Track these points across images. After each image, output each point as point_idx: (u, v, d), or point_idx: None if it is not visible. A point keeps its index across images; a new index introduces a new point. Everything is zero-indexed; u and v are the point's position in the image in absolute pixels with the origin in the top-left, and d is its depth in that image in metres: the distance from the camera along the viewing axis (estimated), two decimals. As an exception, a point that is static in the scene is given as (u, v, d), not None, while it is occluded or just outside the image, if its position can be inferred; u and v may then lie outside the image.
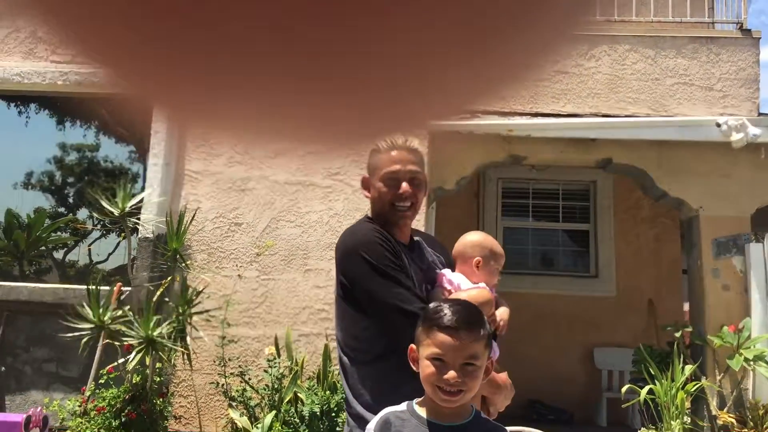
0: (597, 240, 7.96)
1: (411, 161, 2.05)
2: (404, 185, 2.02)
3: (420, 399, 1.67)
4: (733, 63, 6.25)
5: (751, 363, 5.43)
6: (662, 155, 6.06)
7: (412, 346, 1.67)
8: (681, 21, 6.40)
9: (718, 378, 5.69)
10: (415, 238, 2.18)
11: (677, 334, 5.95)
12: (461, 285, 2.03)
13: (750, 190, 5.94)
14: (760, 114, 6.13)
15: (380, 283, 1.91)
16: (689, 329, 6.06)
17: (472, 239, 2.15)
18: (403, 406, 1.69)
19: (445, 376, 1.56)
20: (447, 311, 1.61)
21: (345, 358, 2.05)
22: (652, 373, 5.43)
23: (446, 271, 2.10)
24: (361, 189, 2.17)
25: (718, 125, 5.75)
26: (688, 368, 5.43)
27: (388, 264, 1.92)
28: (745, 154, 5.90)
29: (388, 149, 2.03)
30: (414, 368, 1.66)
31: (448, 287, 2.03)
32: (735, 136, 5.71)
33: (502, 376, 2.01)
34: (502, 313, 2.04)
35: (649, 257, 7.85)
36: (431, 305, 1.73)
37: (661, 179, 6.05)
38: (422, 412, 1.64)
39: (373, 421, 1.68)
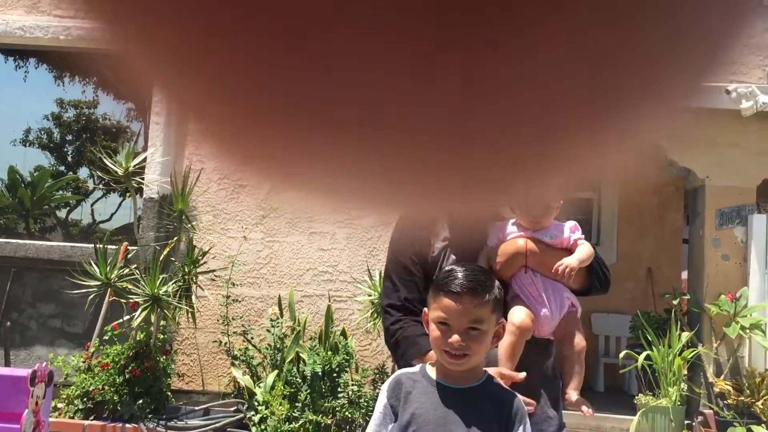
0: (600, 207, 7.98)
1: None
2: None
3: (433, 361, 1.71)
4: (742, 30, 6.19)
5: (748, 331, 5.49)
6: (671, 123, 6.03)
7: (425, 309, 1.70)
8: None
9: (715, 345, 5.76)
10: None
11: (675, 302, 6.01)
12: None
13: (758, 161, 5.92)
14: (769, 82, 6.09)
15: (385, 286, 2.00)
16: (687, 297, 6.12)
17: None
18: (417, 368, 1.73)
19: (450, 340, 1.60)
20: (455, 275, 1.64)
21: None
22: (650, 339, 5.49)
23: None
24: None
25: (728, 92, 5.71)
26: (685, 335, 5.50)
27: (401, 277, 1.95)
28: (755, 123, 5.86)
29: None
30: (427, 331, 1.69)
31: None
32: (744, 104, 5.67)
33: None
34: (572, 260, 1.88)
35: (650, 225, 7.87)
36: (445, 269, 1.74)
37: (668, 148, 6.04)
38: (433, 373, 1.68)
39: (387, 382, 1.72)
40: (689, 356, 5.40)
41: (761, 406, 5.21)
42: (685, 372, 5.47)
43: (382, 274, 1.98)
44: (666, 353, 5.34)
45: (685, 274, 7.12)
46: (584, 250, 1.91)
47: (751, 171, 5.93)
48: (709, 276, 5.89)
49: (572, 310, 1.92)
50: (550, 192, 1.77)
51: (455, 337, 1.59)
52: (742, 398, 5.31)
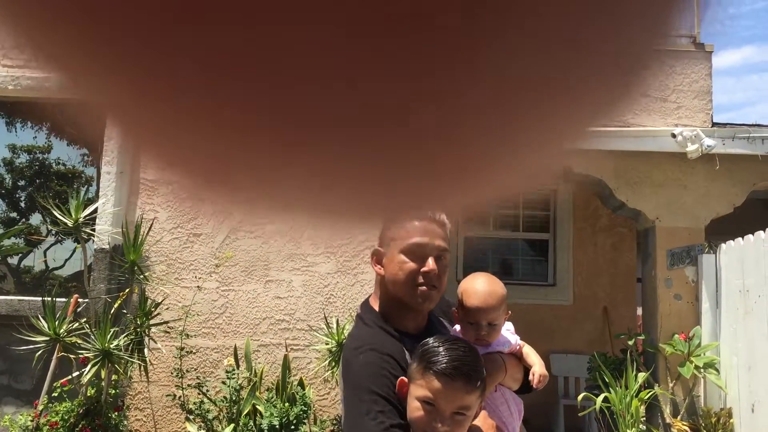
0: (556, 249, 8.07)
1: (440, 235, 1.68)
2: (430, 262, 1.65)
3: None
4: (686, 75, 6.40)
5: (702, 370, 5.57)
6: (620, 165, 6.17)
7: (403, 378, 1.59)
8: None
9: (671, 385, 5.81)
10: (433, 318, 1.82)
11: (630, 342, 6.08)
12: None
13: (705, 201, 6.08)
14: (713, 125, 6.28)
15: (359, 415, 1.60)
16: (642, 337, 6.19)
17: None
18: None
19: (434, 425, 1.51)
20: (449, 356, 1.53)
21: None
22: (607, 380, 5.52)
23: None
24: (372, 263, 1.76)
25: (674, 136, 5.87)
26: (641, 376, 5.55)
27: (381, 410, 1.57)
28: (701, 165, 6.03)
29: (412, 217, 1.66)
30: (401, 400, 1.58)
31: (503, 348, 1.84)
32: (690, 147, 5.83)
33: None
34: (540, 367, 1.83)
35: (605, 266, 7.99)
36: (431, 341, 1.59)
37: (619, 189, 6.16)
38: None
39: None
40: (646, 397, 5.45)
41: (717, 446, 5.26)
42: (643, 413, 5.51)
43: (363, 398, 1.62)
44: (623, 395, 5.38)
45: (640, 311, 7.22)
46: (533, 351, 1.89)
47: (699, 211, 6.08)
48: (662, 316, 5.98)
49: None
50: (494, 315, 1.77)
51: (440, 425, 1.51)
52: (699, 438, 5.35)
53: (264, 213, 0.29)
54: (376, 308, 1.76)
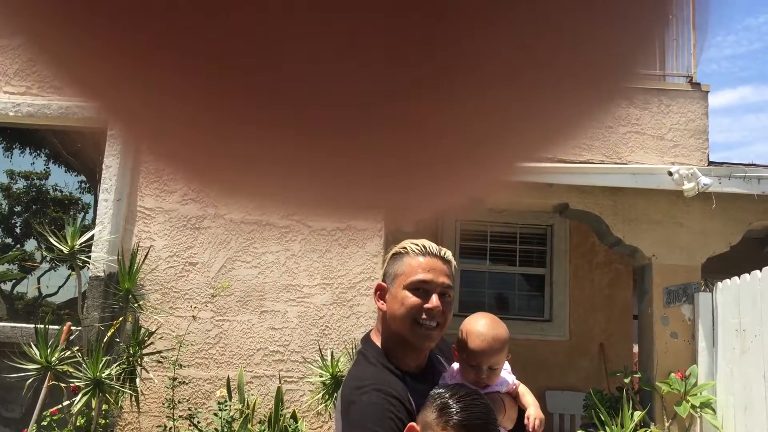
0: (552, 284, 8.06)
1: (444, 273, 1.69)
2: (434, 299, 1.65)
3: None
4: (683, 114, 6.45)
5: (698, 410, 5.53)
6: (617, 202, 6.20)
7: (414, 425, 1.55)
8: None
9: (667, 425, 5.76)
10: (432, 356, 1.82)
11: (626, 380, 6.04)
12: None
13: (702, 240, 6.09)
14: (710, 163, 6.32)
15: None
16: (638, 375, 6.15)
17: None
18: None
19: None
20: (468, 410, 1.51)
21: None
22: (603, 419, 5.47)
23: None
24: (375, 298, 1.76)
25: (670, 174, 5.90)
26: (637, 414, 5.49)
27: None
28: (698, 203, 6.06)
29: (417, 254, 1.69)
30: None
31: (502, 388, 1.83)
32: (686, 185, 5.85)
33: None
34: (536, 410, 1.82)
35: (601, 302, 7.97)
36: (447, 392, 1.57)
37: (616, 226, 6.17)
38: None
39: None
40: (642, 436, 5.39)
41: (714, 487, 5.19)
42: (639, 452, 5.45)
43: None
44: (619, 433, 5.32)
45: (636, 348, 7.18)
46: (528, 391, 1.88)
47: (695, 249, 6.09)
48: (658, 354, 5.95)
49: None
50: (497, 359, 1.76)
51: None
52: (695, 479, 5.29)
53: (239, 199, 0.29)
54: (378, 344, 1.74)
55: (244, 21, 0.20)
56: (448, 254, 1.72)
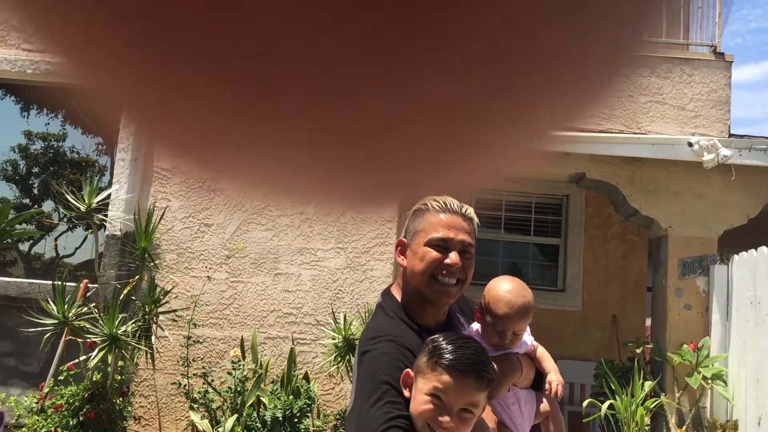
0: (566, 254, 8.04)
1: (465, 230, 1.67)
2: (453, 255, 1.63)
3: None
4: (705, 84, 6.35)
5: (709, 381, 5.53)
6: (635, 172, 6.14)
7: (409, 371, 1.56)
8: (656, 41, 6.48)
9: (677, 395, 5.77)
10: (451, 313, 1.80)
11: (638, 350, 6.04)
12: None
13: (719, 212, 6.03)
14: (730, 135, 6.24)
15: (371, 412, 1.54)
16: (650, 346, 6.15)
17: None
18: None
19: (440, 419, 1.49)
20: (459, 351, 1.52)
21: None
22: (613, 388, 5.49)
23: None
24: (395, 254, 1.76)
25: (690, 145, 5.83)
26: (648, 384, 5.51)
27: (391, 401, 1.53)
28: (717, 175, 5.99)
29: (438, 210, 1.67)
30: (405, 393, 1.55)
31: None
32: (706, 157, 5.78)
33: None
34: (556, 374, 1.82)
35: (615, 273, 7.94)
36: (442, 336, 1.57)
37: (633, 197, 6.12)
38: None
39: None
40: (652, 406, 5.41)
41: (722, 458, 5.22)
42: (648, 422, 5.47)
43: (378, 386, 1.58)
44: (629, 403, 5.34)
45: (649, 321, 7.18)
46: (548, 355, 1.87)
47: (712, 222, 6.04)
48: (671, 325, 5.94)
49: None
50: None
51: (446, 419, 1.49)
52: (704, 449, 5.31)
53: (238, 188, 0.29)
54: (398, 298, 1.74)
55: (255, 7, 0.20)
56: (470, 211, 1.71)
